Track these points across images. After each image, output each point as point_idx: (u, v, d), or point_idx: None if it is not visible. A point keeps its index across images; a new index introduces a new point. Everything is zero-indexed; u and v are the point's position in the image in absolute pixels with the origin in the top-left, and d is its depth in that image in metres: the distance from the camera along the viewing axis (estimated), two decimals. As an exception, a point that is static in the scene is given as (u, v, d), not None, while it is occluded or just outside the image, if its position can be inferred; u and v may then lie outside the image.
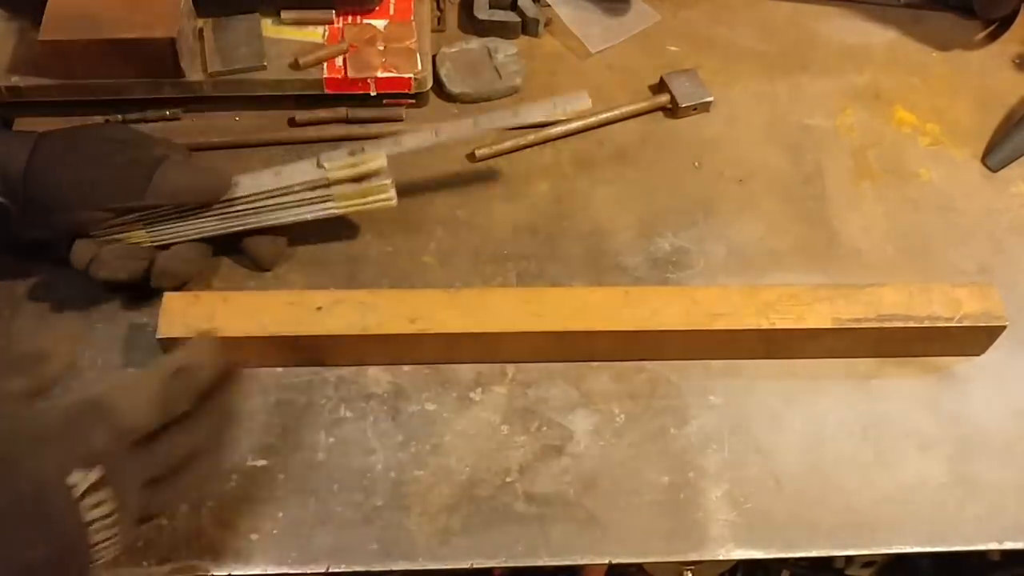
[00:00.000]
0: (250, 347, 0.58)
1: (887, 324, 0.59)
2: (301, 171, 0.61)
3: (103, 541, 0.44)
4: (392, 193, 0.63)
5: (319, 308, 0.58)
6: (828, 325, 0.59)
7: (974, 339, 0.62)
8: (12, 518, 0.41)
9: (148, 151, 0.60)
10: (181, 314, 0.57)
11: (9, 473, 0.42)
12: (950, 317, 0.60)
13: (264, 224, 0.62)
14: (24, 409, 0.45)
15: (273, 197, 0.61)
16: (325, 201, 0.62)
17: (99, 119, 0.72)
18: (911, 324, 0.60)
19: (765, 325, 0.59)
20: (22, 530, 0.41)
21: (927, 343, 0.62)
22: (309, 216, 0.62)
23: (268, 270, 0.64)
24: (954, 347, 0.63)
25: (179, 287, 0.61)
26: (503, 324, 0.59)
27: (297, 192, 0.61)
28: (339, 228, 0.67)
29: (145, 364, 0.60)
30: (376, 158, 0.62)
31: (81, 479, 0.42)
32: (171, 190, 0.59)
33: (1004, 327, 0.61)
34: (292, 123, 0.73)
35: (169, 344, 0.57)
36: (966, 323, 0.60)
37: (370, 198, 0.63)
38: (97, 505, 0.43)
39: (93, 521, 0.43)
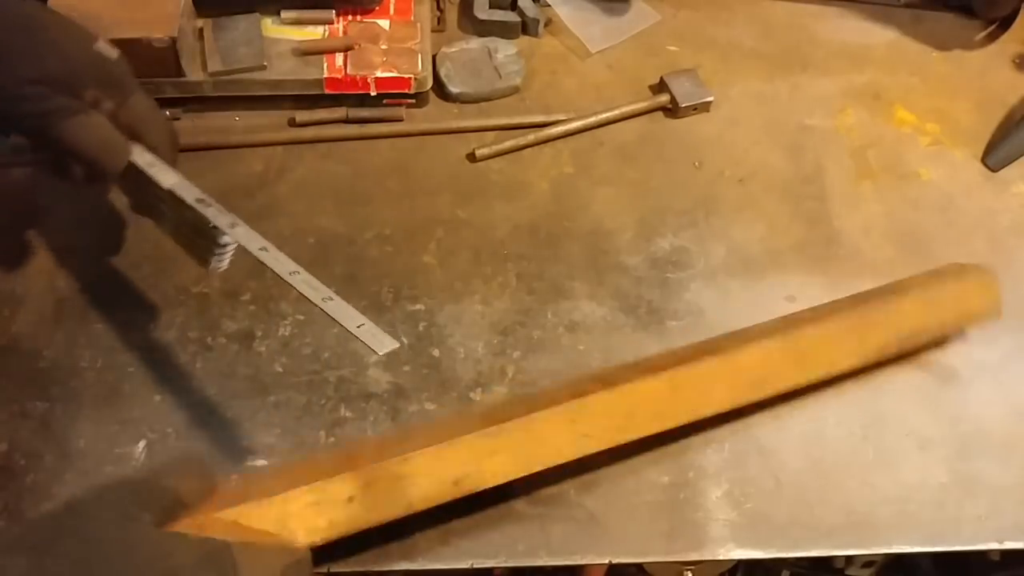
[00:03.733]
0: None
1: (905, 346, 0.59)
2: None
3: None
4: None
5: (350, 499, 0.48)
6: (856, 364, 0.58)
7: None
8: None
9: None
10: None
11: None
12: (958, 321, 0.61)
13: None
14: (155, 546, 0.41)
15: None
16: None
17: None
18: (924, 339, 0.60)
19: (803, 382, 0.58)
20: None
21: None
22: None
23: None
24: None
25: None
26: (555, 456, 0.52)
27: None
28: (339, 227, 0.67)
29: (144, 367, 0.61)
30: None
31: None
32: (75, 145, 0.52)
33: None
34: (292, 123, 0.73)
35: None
36: (969, 324, 0.61)
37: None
38: None
39: None
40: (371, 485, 0.48)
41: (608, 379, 0.55)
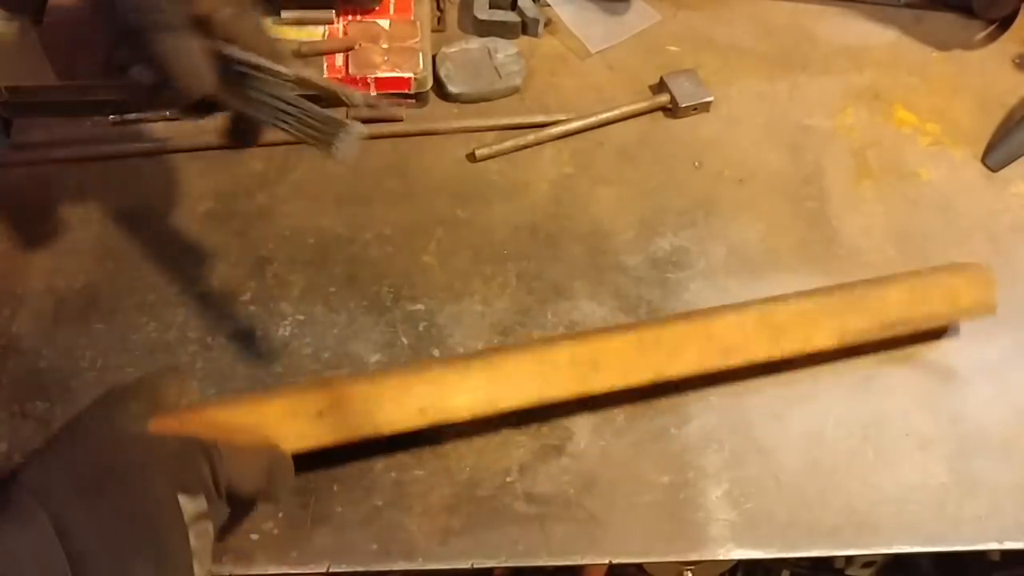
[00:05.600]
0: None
1: (888, 333, 0.60)
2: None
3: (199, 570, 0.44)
4: None
5: (320, 414, 0.51)
6: (834, 344, 0.59)
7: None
8: (123, 531, 0.42)
9: None
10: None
11: (123, 490, 0.43)
12: (948, 314, 0.61)
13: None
14: (141, 431, 0.45)
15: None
16: None
17: (99, 120, 0.72)
18: (911, 328, 0.60)
19: (777, 355, 0.58)
20: (131, 543, 0.42)
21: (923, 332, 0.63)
22: None
23: None
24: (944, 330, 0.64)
25: None
26: (517, 397, 0.54)
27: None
28: (339, 227, 0.67)
29: (144, 367, 0.61)
30: None
31: (190, 505, 0.44)
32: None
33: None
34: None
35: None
36: (961, 318, 0.61)
37: None
38: (200, 535, 0.44)
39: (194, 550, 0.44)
40: (339, 403, 0.51)
41: (580, 335, 0.57)
